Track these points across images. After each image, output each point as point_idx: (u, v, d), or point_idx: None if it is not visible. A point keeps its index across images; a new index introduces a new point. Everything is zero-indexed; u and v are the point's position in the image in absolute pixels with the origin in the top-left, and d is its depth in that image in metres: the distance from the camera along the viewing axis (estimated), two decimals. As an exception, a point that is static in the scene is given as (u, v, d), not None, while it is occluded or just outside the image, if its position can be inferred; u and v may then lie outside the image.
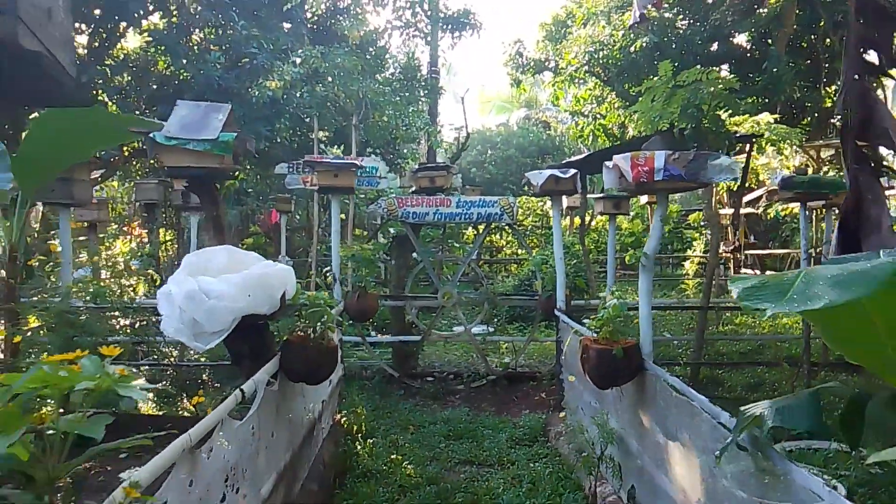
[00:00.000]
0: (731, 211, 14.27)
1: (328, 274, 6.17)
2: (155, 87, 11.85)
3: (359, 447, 5.18)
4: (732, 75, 15.55)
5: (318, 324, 3.53)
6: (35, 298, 5.29)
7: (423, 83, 14.63)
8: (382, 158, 12.17)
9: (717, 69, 15.43)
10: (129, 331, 5.99)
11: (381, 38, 12.43)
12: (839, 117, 4.44)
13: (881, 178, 3.59)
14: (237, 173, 10.82)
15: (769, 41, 14.36)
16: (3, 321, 4.95)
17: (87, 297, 5.49)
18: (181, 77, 11.43)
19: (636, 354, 3.48)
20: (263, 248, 14.79)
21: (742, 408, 2.38)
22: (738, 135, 7.69)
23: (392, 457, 5.06)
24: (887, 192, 8.51)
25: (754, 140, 8.00)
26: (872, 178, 3.43)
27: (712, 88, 6.49)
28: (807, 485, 1.98)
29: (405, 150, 15.13)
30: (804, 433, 3.78)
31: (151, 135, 3.46)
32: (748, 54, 14.96)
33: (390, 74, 14.05)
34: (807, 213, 6.50)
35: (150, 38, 11.37)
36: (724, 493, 2.58)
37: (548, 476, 4.65)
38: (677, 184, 3.40)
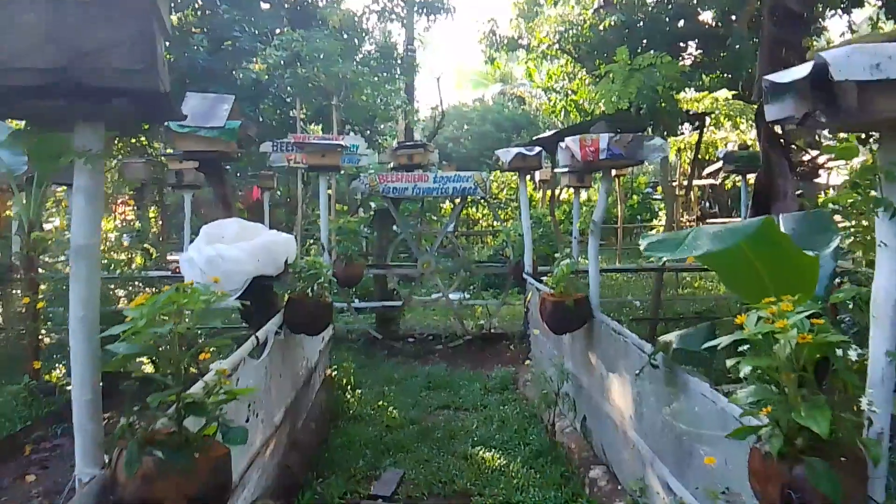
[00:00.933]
0: (700, 182, 15.09)
1: (313, 246, 6.73)
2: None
3: (348, 396, 5.82)
4: (698, 51, 16.24)
5: (316, 284, 4.13)
6: (50, 269, 5.83)
7: (399, 62, 15.07)
8: (361, 136, 12.66)
9: (684, 46, 16.12)
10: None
11: (360, 23, 12.83)
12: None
13: (790, 155, 4.25)
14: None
15: (733, 19, 14.97)
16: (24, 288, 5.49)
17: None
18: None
19: (586, 305, 4.14)
20: (246, 223, 15.26)
21: (659, 337, 3.04)
22: (691, 112, 8.35)
23: (378, 404, 5.72)
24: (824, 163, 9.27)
25: (707, 116, 8.66)
26: (781, 156, 4.08)
27: (665, 72, 7.12)
28: (697, 389, 2.64)
29: (383, 127, 15.62)
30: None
31: (167, 123, 4.00)
32: (713, 32, 15.54)
33: (367, 53, 14.45)
34: (748, 184, 7.19)
35: (133, 20, 11.66)
36: (646, 408, 3.26)
37: (515, 415, 5.34)
38: (618, 161, 4.03)
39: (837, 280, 3.16)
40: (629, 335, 3.44)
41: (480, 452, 4.65)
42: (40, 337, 5.51)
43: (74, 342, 1.75)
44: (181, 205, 11.28)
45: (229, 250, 3.55)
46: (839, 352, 1.71)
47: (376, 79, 12.26)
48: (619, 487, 3.72)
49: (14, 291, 6.24)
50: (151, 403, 1.69)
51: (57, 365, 5.71)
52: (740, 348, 1.89)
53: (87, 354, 1.76)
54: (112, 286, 6.19)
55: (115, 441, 1.69)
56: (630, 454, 3.52)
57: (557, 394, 4.59)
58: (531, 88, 28.22)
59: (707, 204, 17.05)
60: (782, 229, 3.42)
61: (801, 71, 1.64)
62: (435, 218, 12.34)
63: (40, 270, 5.70)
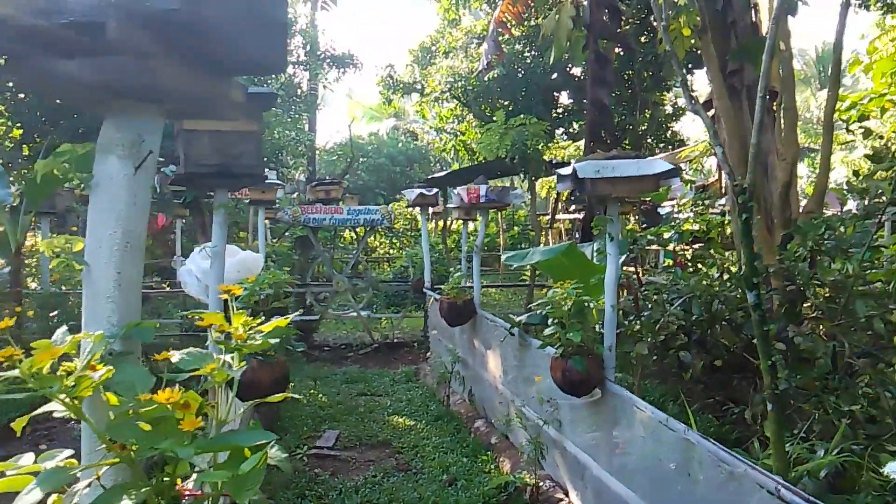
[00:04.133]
0: (567, 217, 17.44)
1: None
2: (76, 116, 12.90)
3: (285, 387, 7.19)
4: (570, 100, 18.78)
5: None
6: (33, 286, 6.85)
7: (302, 99, 16.53)
8: (273, 170, 13.96)
9: (557, 95, 18.59)
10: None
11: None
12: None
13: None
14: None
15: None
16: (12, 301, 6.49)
17: (70, 285, 7.09)
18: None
19: (471, 305, 5.83)
20: (151, 249, 15.97)
21: (517, 318, 4.76)
22: (553, 161, 10.42)
23: (310, 392, 7.13)
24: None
25: (565, 164, 10.79)
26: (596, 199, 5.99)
27: (532, 130, 9.09)
28: (536, 347, 4.36)
29: (291, 161, 16.94)
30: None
31: (162, 170, 5.34)
32: (582, 84, 18.05)
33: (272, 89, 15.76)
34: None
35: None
36: (508, 366, 4.97)
37: (419, 396, 6.93)
38: (493, 204, 5.78)
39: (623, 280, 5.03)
40: (497, 320, 5.16)
41: (394, 419, 6.20)
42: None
43: (211, 300, 3.21)
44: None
45: (219, 264, 4.94)
46: (588, 305, 3.47)
47: (289, 119, 13.64)
48: (494, 429, 5.40)
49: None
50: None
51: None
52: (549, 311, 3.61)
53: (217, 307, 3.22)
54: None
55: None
56: (500, 401, 5.21)
57: (451, 373, 6.24)
58: (424, 125, 30.32)
59: (577, 234, 19.47)
60: (591, 251, 5.29)
61: (568, 170, 3.41)
62: (341, 245, 13.80)
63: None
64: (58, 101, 9.86)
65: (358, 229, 12.61)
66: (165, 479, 1.40)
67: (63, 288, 7.06)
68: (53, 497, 1.38)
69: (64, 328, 1.51)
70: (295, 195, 17.64)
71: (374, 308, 11.22)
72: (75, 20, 1.17)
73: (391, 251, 19.87)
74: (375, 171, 25.92)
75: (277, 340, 3.21)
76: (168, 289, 9.72)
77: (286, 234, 11.21)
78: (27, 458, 1.41)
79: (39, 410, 1.43)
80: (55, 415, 1.45)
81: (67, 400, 1.35)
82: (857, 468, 3.06)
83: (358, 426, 6.00)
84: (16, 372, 1.29)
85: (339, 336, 10.38)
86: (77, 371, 1.34)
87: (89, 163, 1.58)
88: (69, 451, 1.44)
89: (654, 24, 12.46)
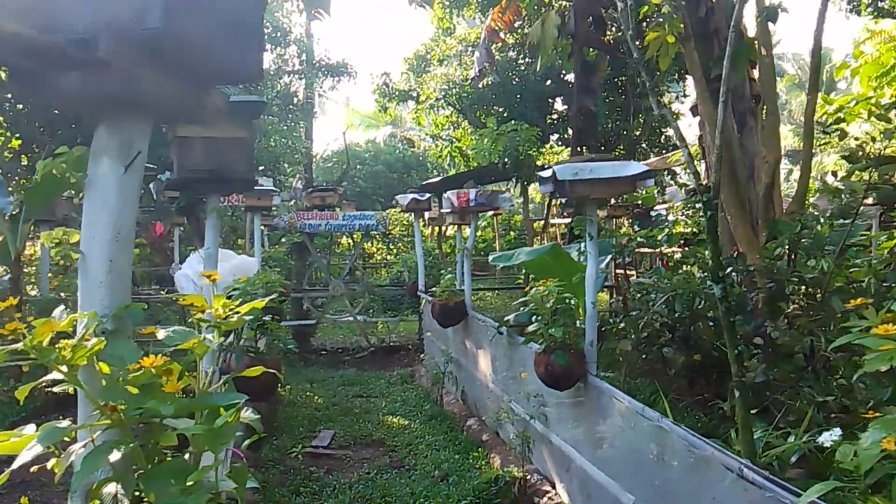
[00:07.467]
0: (562, 221, 17.59)
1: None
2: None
3: (281, 390, 7.31)
4: (564, 107, 18.90)
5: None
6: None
7: (298, 107, 16.70)
8: (270, 177, 14.12)
9: (552, 102, 18.72)
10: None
11: (274, 82, 14.41)
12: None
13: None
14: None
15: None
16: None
17: (69, 292, 7.21)
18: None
19: (463, 306, 5.97)
20: (149, 258, 16.08)
21: (504, 318, 4.90)
22: (545, 166, 10.58)
23: (306, 394, 7.25)
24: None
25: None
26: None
27: (524, 136, 9.26)
28: (521, 343, 4.50)
29: (288, 169, 17.11)
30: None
31: (158, 177, 5.49)
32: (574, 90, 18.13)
33: (268, 99, 15.98)
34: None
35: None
36: (498, 365, 5.11)
37: (413, 397, 7.06)
38: (483, 208, 5.93)
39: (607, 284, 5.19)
40: (488, 320, 5.30)
41: (389, 419, 6.33)
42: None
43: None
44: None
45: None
46: (569, 302, 3.61)
47: (285, 127, 13.81)
48: (486, 426, 5.53)
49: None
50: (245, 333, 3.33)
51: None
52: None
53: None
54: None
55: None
56: (491, 400, 5.34)
57: (444, 373, 6.37)
58: (420, 131, 30.49)
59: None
60: (577, 252, 5.43)
61: (549, 173, 3.56)
62: (338, 251, 13.94)
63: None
64: (55, 110, 10.02)
65: (354, 235, 12.77)
66: (152, 441, 1.55)
67: (62, 294, 7.18)
68: (53, 461, 1.52)
69: (62, 307, 1.65)
70: (293, 202, 17.79)
71: (371, 312, 11.36)
72: (71, 37, 1.32)
73: (388, 257, 19.96)
74: (373, 178, 26.07)
75: (251, 318, 3.30)
76: (166, 295, 9.83)
77: (283, 240, 11.34)
78: (29, 428, 1.56)
79: (42, 380, 1.58)
80: (55, 389, 1.59)
81: (65, 369, 1.50)
82: (832, 454, 3.20)
83: (353, 426, 6.12)
84: (19, 345, 1.44)
85: (336, 340, 10.50)
86: (72, 343, 1.49)
87: (84, 164, 1.74)
88: (67, 421, 1.58)
89: (645, 31, 12.74)
